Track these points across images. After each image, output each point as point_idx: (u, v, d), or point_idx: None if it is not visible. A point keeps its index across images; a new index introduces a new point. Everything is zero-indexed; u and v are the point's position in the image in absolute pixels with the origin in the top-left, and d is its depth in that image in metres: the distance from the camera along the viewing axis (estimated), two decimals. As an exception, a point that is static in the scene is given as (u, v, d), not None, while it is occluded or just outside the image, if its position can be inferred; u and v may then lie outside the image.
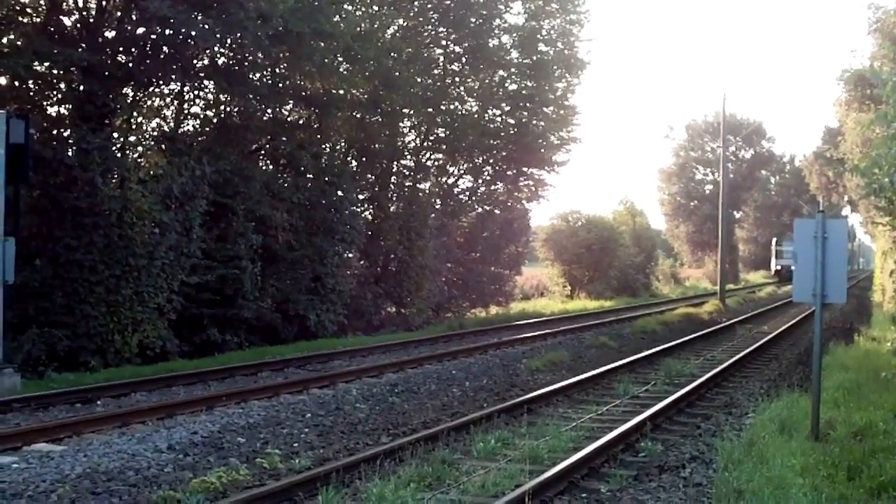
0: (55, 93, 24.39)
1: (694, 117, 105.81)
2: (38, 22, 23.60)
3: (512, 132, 42.28)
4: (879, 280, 51.40)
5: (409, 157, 40.47)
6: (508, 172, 44.36)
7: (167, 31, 24.65)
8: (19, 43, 22.38)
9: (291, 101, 31.62)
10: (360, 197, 35.45)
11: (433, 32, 39.78)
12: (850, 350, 24.36)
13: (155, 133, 27.36)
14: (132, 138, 25.98)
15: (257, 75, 29.26)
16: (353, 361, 24.30)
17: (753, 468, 11.08)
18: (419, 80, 37.66)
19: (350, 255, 33.64)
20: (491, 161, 43.82)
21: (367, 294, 33.97)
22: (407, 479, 11.08)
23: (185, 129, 28.72)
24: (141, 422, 15.38)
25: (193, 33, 24.48)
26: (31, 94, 23.68)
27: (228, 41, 26.84)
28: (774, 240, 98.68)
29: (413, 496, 10.33)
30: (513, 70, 42.27)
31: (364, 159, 36.80)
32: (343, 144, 35.88)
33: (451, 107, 40.82)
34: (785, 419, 14.29)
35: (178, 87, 27.52)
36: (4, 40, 22.41)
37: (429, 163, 41.92)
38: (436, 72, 40.03)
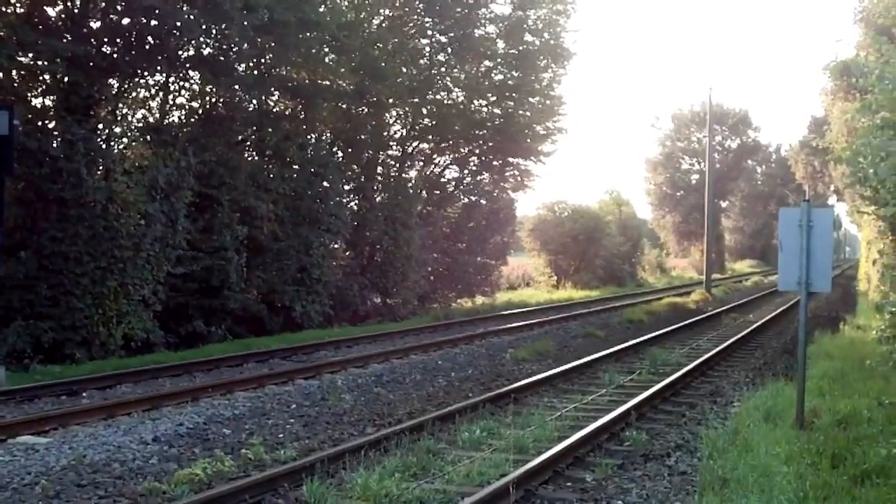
0: (40, 84, 24.25)
1: (680, 107, 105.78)
2: (22, 12, 23.44)
3: (498, 122, 42.18)
4: (865, 269, 51.49)
5: (394, 146, 40.41)
6: (494, 163, 44.32)
7: (152, 22, 24.58)
8: (2, 34, 22.16)
9: (277, 92, 31.57)
10: (346, 187, 35.46)
11: (419, 22, 39.69)
12: (836, 339, 24.43)
13: (140, 124, 27.20)
14: (117, 129, 25.85)
15: (243, 66, 29.17)
16: (339, 352, 24.32)
17: (738, 456, 11.11)
18: (405, 70, 37.66)
19: (336, 246, 33.62)
20: (477, 151, 43.75)
21: (352, 285, 33.95)
22: (392, 469, 11.08)
23: (171, 120, 28.59)
24: (126, 414, 15.35)
25: (179, 24, 24.46)
26: (15, 85, 23.51)
27: (214, 32, 26.78)
28: None
29: (398, 486, 10.34)
30: (499, 60, 42.23)
31: (350, 150, 36.74)
32: (329, 135, 35.81)
33: (437, 97, 40.82)
34: (770, 408, 14.34)
35: (164, 78, 27.44)
36: (-12, 31, 22.29)
37: (415, 153, 41.89)
38: (422, 62, 39.97)
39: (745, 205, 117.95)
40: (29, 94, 24.11)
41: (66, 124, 22.31)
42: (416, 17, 39.48)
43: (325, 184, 31.83)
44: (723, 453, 11.47)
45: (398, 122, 40.56)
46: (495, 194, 45.42)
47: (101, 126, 24.43)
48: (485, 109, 42.80)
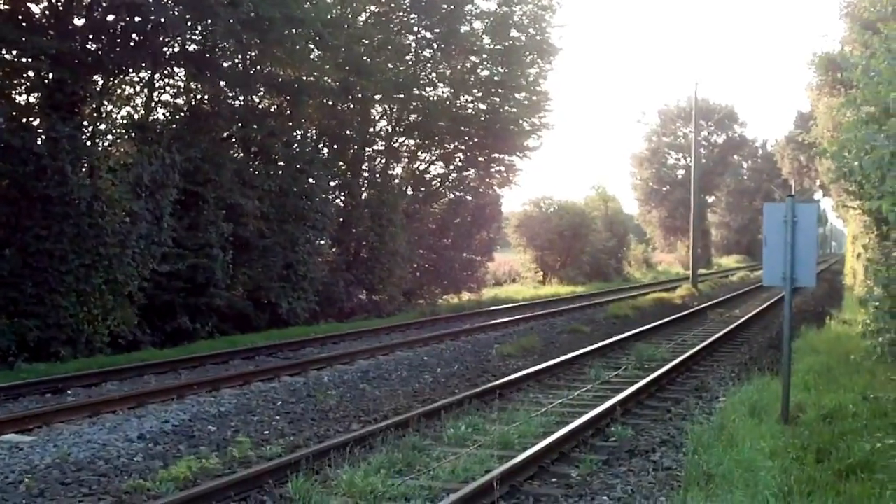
0: (24, 81, 24.14)
1: (666, 102, 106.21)
2: (6, 9, 23.34)
3: (483, 118, 42.14)
4: (850, 264, 51.62)
5: (380, 142, 40.33)
6: (480, 158, 44.26)
7: (137, 18, 24.48)
8: (-14, 31, 22.15)
9: (262, 89, 31.48)
10: (332, 184, 35.33)
11: (404, 19, 39.65)
12: (822, 333, 24.49)
13: (125, 121, 27.04)
14: (102, 126, 25.69)
15: (228, 62, 29.17)
16: (325, 349, 24.33)
17: (723, 451, 11.12)
18: (391, 66, 37.65)
19: (321, 243, 33.54)
20: (462, 147, 43.67)
21: (338, 281, 33.90)
22: (377, 466, 11.09)
23: (156, 116, 28.45)
24: (111, 411, 15.34)
25: (163, 20, 24.35)
26: (-1, 82, 23.50)
27: (199, 28, 26.74)
28: None
29: (383, 482, 10.35)
30: (485, 56, 42.19)
31: (335, 146, 36.69)
32: (314, 132, 35.73)
33: (423, 93, 40.75)
34: (755, 402, 14.35)
35: (149, 75, 27.32)
36: (-29, 28, 22.16)
37: (401, 149, 41.84)
38: (407, 58, 39.94)
39: (732, 200, 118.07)
40: (12, 92, 24.00)
41: (51, 121, 22.20)
42: (401, 13, 39.46)
43: (311, 180, 31.80)
44: (708, 448, 11.48)
45: (384, 118, 40.52)
46: (481, 190, 45.33)
47: (85, 123, 24.32)
48: (470, 105, 42.76)
